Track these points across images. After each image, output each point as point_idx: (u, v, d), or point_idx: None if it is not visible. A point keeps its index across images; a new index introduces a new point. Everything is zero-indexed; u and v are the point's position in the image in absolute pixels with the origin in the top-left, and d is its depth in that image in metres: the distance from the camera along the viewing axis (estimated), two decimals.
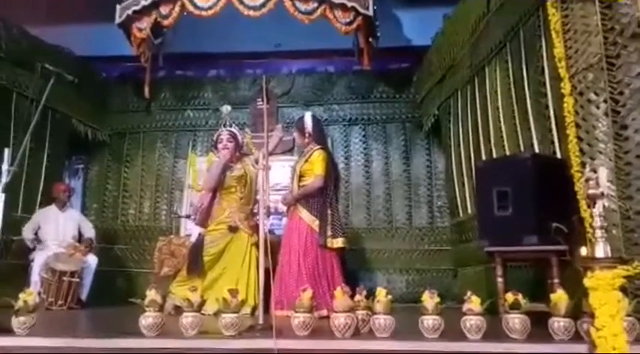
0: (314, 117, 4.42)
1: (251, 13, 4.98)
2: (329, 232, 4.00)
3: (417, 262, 6.15)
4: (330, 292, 3.53)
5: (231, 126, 4.56)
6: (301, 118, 4.37)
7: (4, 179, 2.97)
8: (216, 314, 2.87)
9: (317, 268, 3.94)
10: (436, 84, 5.83)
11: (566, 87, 3.05)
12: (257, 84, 6.70)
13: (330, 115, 6.65)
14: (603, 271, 2.09)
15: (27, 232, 5.22)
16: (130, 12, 5.34)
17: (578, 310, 2.34)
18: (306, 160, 4.15)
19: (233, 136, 4.47)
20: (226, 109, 4.62)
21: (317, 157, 4.10)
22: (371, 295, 2.71)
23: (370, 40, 5.68)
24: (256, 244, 3.93)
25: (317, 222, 4.01)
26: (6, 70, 5.31)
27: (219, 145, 4.44)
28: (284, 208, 4.63)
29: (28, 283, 4.81)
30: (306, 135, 4.25)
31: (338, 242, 4.03)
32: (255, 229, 4.12)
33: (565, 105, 3.04)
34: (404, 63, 6.73)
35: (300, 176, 4.16)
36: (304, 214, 4.06)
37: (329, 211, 4.05)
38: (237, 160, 4.48)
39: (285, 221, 4.43)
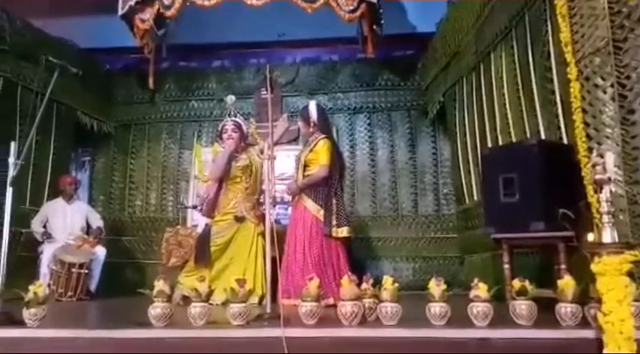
0: (319, 106, 4.40)
1: (254, 2, 4.96)
2: (334, 222, 4.00)
3: (424, 250, 6.16)
4: (336, 281, 3.54)
5: (235, 116, 4.55)
6: (306, 107, 4.36)
7: (12, 172, 2.98)
8: (224, 304, 2.90)
9: (322, 258, 3.95)
10: (441, 71, 5.79)
11: (572, 72, 3.01)
12: (261, 73, 6.68)
13: (334, 104, 6.63)
14: (610, 257, 2.09)
15: (36, 226, 5.26)
16: (132, 3, 5.32)
17: (586, 296, 2.34)
18: (311, 150, 4.14)
19: (238, 126, 4.46)
20: (230, 99, 4.62)
21: (322, 147, 4.09)
22: (377, 283, 2.72)
23: (374, 27, 5.64)
24: (263, 234, 3.94)
25: (322, 211, 4.00)
26: (10, 63, 5.31)
27: (224, 136, 4.44)
28: (290, 198, 4.64)
29: (37, 275, 4.87)
30: (311, 124, 4.24)
31: (343, 231, 4.03)
32: (261, 218, 4.14)
33: (571, 90, 3.01)
34: (408, 50, 6.68)
35: (305, 166, 4.15)
36: (309, 203, 4.06)
37: (334, 201, 4.05)
38: (242, 150, 4.48)
39: (290, 211, 4.42)
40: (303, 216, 4.06)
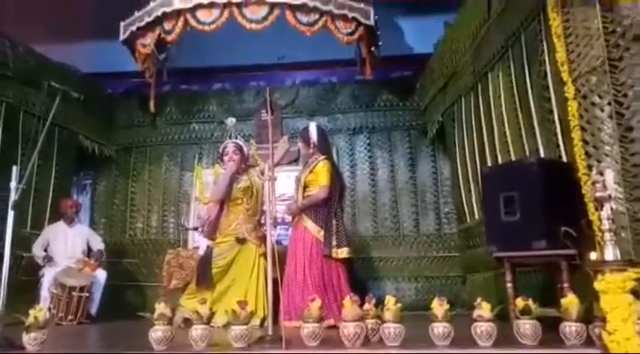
0: (319, 127, 4.44)
1: (253, 26, 5.03)
2: (334, 242, 4.00)
3: (426, 270, 6.13)
4: (337, 302, 3.52)
5: (236, 138, 4.59)
6: (306, 129, 4.39)
7: (13, 197, 2.99)
8: (226, 326, 2.88)
9: (323, 278, 3.93)
10: (439, 91, 5.84)
11: (569, 91, 3.05)
12: (261, 96, 6.73)
13: (334, 125, 6.67)
14: (613, 274, 2.08)
15: (37, 250, 5.24)
16: (134, 28, 5.41)
17: (590, 315, 2.32)
18: (311, 171, 4.16)
19: (239, 148, 4.50)
20: (231, 121, 4.68)
21: (322, 168, 4.10)
22: (380, 303, 2.70)
23: (372, 49, 5.71)
24: (264, 255, 3.94)
25: (322, 232, 4.00)
26: (13, 89, 5.37)
27: (225, 158, 4.47)
28: (290, 219, 4.64)
29: (38, 299, 4.84)
30: (311, 145, 4.26)
31: (343, 252, 4.03)
32: (262, 239, 4.14)
33: (569, 108, 3.04)
34: (406, 71, 6.75)
35: (305, 186, 4.17)
36: (309, 224, 4.06)
37: (334, 221, 4.05)
38: (243, 172, 4.50)
39: (291, 231, 4.42)
40: (304, 237, 4.06)
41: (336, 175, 4.20)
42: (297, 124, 6.74)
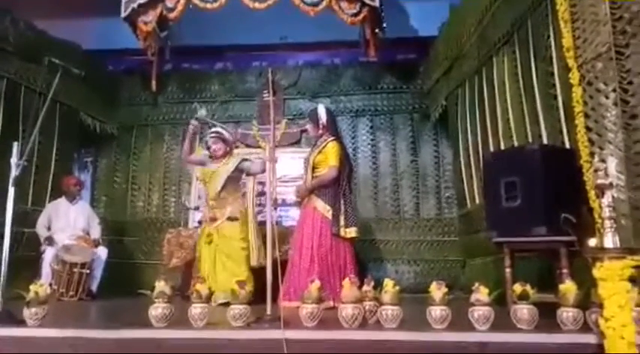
0: (327, 109, 4.43)
1: (257, 5, 4.98)
2: (342, 222, 4.02)
3: (425, 253, 6.16)
4: (342, 283, 3.54)
5: (213, 125, 4.64)
6: (315, 110, 4.39)
7: (14, 173, 2.99)
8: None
9: (330, 257, 3.96)
10: (443, 74, 5.79)
11: (574, 77, 3.02)
12: (263, 76, 6.68)
13: (337, 107, 6.63)
14: (612, 262, 2.09)
15: (41, 229, 5.23)
16: (135, 5, 5.34)
17: (587, 301, 2.33)
18: (320, 151, 4.17)
19: (218, 135, 4.55)
20: (201, 113, 4.73)
21: (331, 149, 4.11)
22: (378, 285, 2.72)
23: (376, 31, 5.66)
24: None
25: (331, 212, 4.02)
26: (14, 64, 5.34)
27: (211, 151, 4.57)
28: (294, 199, 4.66)
29: (39, 275, 4.86)
30: (320, 126, 4.26)
31: (351, 232, 4.05)
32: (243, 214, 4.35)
33: (574, 95, 3.01)
34: (410, 54, 6.70)
35: (314, 167, 4.18)
36: (318, 203, 4.08)
37: (342, 201, 4.07)
38: (225, 156, 4.53)
39: (300, 212, 4.44)
40: (313, 216, 4.08)
41: (344, 155, 4.22)
42: (299, 106, 6.72)
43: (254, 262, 4.25)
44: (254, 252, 4.29)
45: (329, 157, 4.09)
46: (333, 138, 4.19)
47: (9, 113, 5.21)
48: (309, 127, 4.42)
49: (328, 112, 4.36)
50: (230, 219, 4.38)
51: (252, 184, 4.64)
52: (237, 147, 4.69)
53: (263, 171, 4.24)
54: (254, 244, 4.32)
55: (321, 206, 4.06)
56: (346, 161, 4.23)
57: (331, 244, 3.98)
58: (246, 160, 4.54)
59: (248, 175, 4.55)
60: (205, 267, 4.31)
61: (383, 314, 2.53)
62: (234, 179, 4.49)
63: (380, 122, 6.63)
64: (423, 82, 6.46)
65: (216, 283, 4.06)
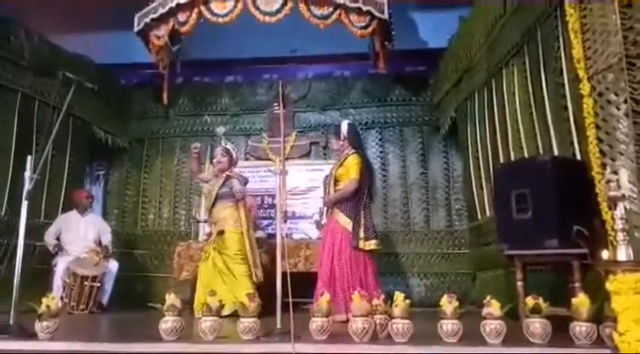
0: (350, 123, 4.50)
1: (267, 19, 5.02)
2: (362, 234, 4.04)
3: (435, 266, 6.11)
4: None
5: (225, 144, 4.75)
6: (338, 125, 4.47)
7: (27, 186, 3.02)
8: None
9: (348, 271, 3.97)
10: (453, 86, 5.80)
11: (585, 88, 3.00)
12: (273, 89, 6.75)
13: (346, 119, 6.64)
14: (626, 275, 2.06)
15: (49, 238, 5.29)
16: (148, 20, 5.42)
17: (601, 315, 2.30)
18: (341, 165, 4.23)
19: (226, 151, 4.68)
20: (220, 129, 4.92)
21: (352, 162, 4.16)
22: (389, 299, 2.70)
23: (386, 43, 5.68)
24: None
25: (351, 224, 4.06)
26: (28, 79, 5.42)
27: (214, 161, 4.70)
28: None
29: (50, 288, 4.89)
30: (342, 139, 4.31)
31: (371, 244, 4.07)
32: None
33: (584, 106, 2.99)
34: (420, 66, 6.71)
35: (336, 180, 4.23)
36: (339, 216, 4.12)
37: (362, 214, 4.11)
38: (224, 172, 4.60)
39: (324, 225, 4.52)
40: (334, 228, 4.12)
41: (366, 168, 4.25)
42: (309, 118, 6.75)
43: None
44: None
45: (350, 170, 4.14)
46: (354, 151, 4.24)
47: (23, 127, 5.28)
48: (332, 141, 4.50)
49: (351, 126, 4.43)
50: (219, 233, 4.46)
51: (244, 201, 4.68)
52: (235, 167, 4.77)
53: (242, 190, 4.50)
54: (250, 260, 4.42)
55: (342, 219, 4.10)
56: (367, 174, 4.25)
57: (350, 257, 3.99)
58: (230, 178, 4.59)
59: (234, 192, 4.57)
60: (204, 282, 4.40)
61: (394, 328, 2.51)
62: (226, 196, 4.55)
63: (389, 134, 6.63)
64: (433, 94, 6.46)
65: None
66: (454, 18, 5.68)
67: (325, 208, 4.36)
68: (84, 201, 5.60)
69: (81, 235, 5.42)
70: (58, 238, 5.35)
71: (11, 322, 2.72)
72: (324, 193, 4.39)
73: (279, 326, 2.70)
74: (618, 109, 2.86)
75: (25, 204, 3.01)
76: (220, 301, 2.78)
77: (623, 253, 2.15)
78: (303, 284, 3.94)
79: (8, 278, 3.02)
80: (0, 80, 5.12)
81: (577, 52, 3.07)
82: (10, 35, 5.24)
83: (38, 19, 5.63)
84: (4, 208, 5.02)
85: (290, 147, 6.50)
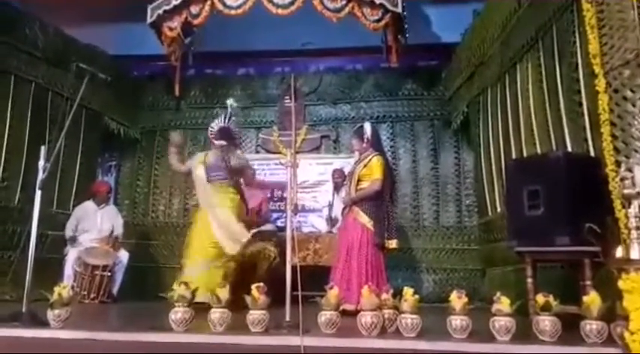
0: (372, 126, 4.56)
1: (280, 11, 5.01)
2: (385, 233, 4.17)
3: (445, 262, 6.10)
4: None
5: (229, 119, 4.68)
6: (361, 127, 4.52)
7: (41, 176, 3.05)
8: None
9: (367, 267, 4.05)
10: (465, 81, 5.75)
11: (600, 84, 2.96)
12: (285, 82, 6.74)
13: (357, 113, 6.63)
14: (638, 274, 2.04)
15: (69, 231, 5.33)
16: (160, 11, 5.44)
17: (612, 313, 2.28)
18: (365, 165, 4.31)
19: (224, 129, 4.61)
20: (231, 101, 4.89)
21: (375, 163, 4.26)
22: (397, 294, 2.69)
23: (399, 37, 5.64)
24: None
25: (372, 222, 4.16)
26: (42, 70, 5.47)
27: (211, 136, 4.68)
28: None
29: (62, 277, 4.95)
30: (365, 140, 4.40)
31: (392, 243, 4.24)
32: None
33: (599, 102, 2.96)
34: (432, 60, 6.67)
35: (359, 180, 4.32)
36: (360, 214, 4.21)
37: (385, 213, 4.23)
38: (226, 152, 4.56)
39: (341, 223, 4.66)
40: (354, 226, 4.21)
41: (388, 170, 4.36)
42: (320, 112, 6.74)
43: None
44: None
45: (373, 170, 4.24)
46: (377, 153, 4.34)
47: (36, 117, 5.34)
48: (354, 141, 4.57)
49: (373, 128, 4.52)
50: None
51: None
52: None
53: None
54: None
55: (363, 217, 4.19)
56: (389, 175, 4.37)
57: (368, 253, 4.09)
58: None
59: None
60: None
61: (402, 323, 2.51)
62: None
63: (400, 129, 6.61)
64: (445, 89, 6.42)
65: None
66: (468, 12, 5.63)
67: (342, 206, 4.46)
68: (103, 194, 5.64)
69: (97, 226, 5.47)
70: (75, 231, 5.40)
71: (23, 309, 2.75)
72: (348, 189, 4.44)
73: (287, 319, 2.70)
74: (634, 105, 2.82)
75: (38, 193, 3.04)
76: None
77: (636, 252, 2.12)
78: (312, 277, 3.95)
79: (20, 266, 3.04)
80: (14, 71, 5.18)
81: (593, 47, 3.03)
82: (25, 27, 5.28)
83: (52, 11, 5.66)
84: (17, 197, 5.08)
85: (300, 140, 6.50)
